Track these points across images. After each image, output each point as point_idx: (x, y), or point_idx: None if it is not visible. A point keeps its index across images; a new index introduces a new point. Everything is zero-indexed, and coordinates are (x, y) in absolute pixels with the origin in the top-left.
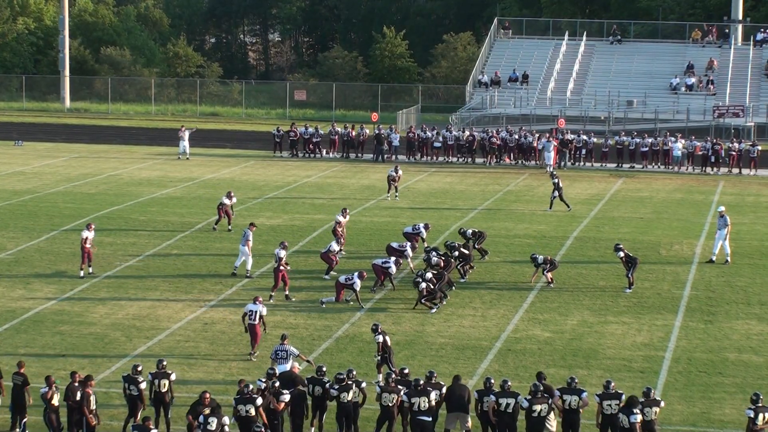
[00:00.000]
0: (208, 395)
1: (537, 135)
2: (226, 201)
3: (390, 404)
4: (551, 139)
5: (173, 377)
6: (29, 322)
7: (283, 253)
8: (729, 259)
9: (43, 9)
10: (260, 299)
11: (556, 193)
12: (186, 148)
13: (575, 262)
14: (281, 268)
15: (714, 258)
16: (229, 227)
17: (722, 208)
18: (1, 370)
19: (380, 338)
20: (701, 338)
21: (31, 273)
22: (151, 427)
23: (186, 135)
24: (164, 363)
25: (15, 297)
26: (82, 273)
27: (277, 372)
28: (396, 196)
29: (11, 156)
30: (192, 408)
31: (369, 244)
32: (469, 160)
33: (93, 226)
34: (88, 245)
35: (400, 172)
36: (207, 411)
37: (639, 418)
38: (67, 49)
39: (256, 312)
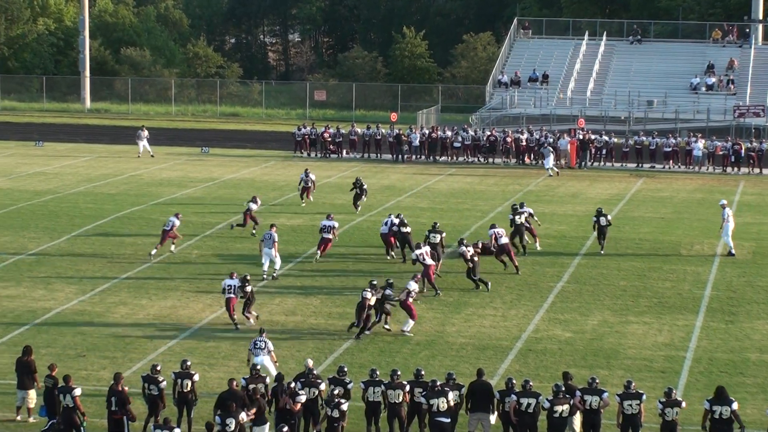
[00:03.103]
0: (235, 382)
1: (557, 135)
2: (253, 206)
3: (397, 401)
4: (550, 143)
5: (196, 378)
6: (50, 322)
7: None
8: (734, 251)
9: (63, 10)
10: (235, 274)
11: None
12: (146, 146)
13: (596, 259)
14: None
15: (733, 251)
16: (254, 231)
17: (724, 201)
18: (36, 366)
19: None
20: (722, 338)
21: (53, 273)
22: (174, 426)
23: (144, 134)
24: (188, 363)
25: (36, 297)
26: (154, 251)
27: (255, 362)
28: (303, 202)
29: (32, 156)
30: (220, 400)
31: None
32: (490, 160)
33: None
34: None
35: (311, 175)
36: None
37: (737, 405)
38: (88, 49)
39: (233, 286)
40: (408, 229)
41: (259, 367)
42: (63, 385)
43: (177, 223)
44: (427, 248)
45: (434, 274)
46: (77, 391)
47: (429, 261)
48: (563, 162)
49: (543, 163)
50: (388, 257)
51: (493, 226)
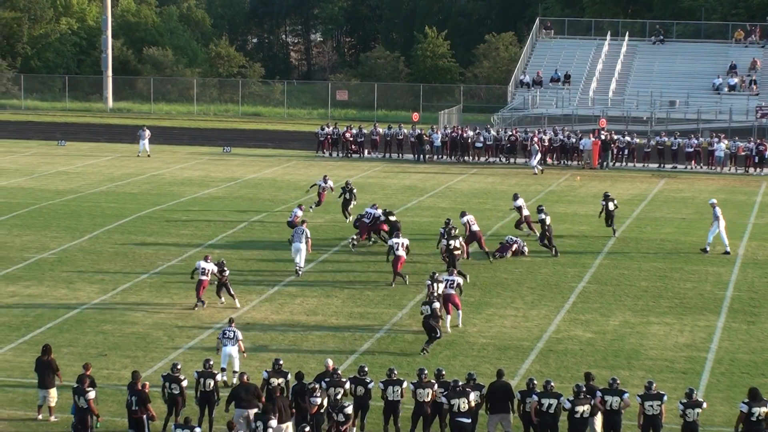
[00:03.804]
0: (246, 375)
1: (580, 135)
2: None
3: (425, 400)
4: (545, 142)
5: (219, 377)
6: (72, 321)
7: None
8: (728, 249)
9: (86, 9)
10: (210, 257)
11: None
12: (145, 146)
13: (617, 260)
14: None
15: (708, 248)
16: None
17: (713, 201)
18: (57, 365)
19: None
20: (744, 339)
21: (74, 272)
22: (194, 425)
23: (146, 134)
24: (211, 363)
25: (58, 296)
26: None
27: (224, 352)
28: (311, 208)
29: (54, 156)
30: (232, 395)
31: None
32: (512, 160)
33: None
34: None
35: (329, 182)
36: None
37: None
38: (110, 49)
39: (207, 269)
40: (394, 218)
41: (281, 362)
42: (78, 386)
43: (300, 213)
44: (404, 240)
45: (402, 266)
46: (91, 394)
47: (401, 252)
48: (585, 163)
49: (527, 162)
50: (370, 242)
51: (463, 214)
